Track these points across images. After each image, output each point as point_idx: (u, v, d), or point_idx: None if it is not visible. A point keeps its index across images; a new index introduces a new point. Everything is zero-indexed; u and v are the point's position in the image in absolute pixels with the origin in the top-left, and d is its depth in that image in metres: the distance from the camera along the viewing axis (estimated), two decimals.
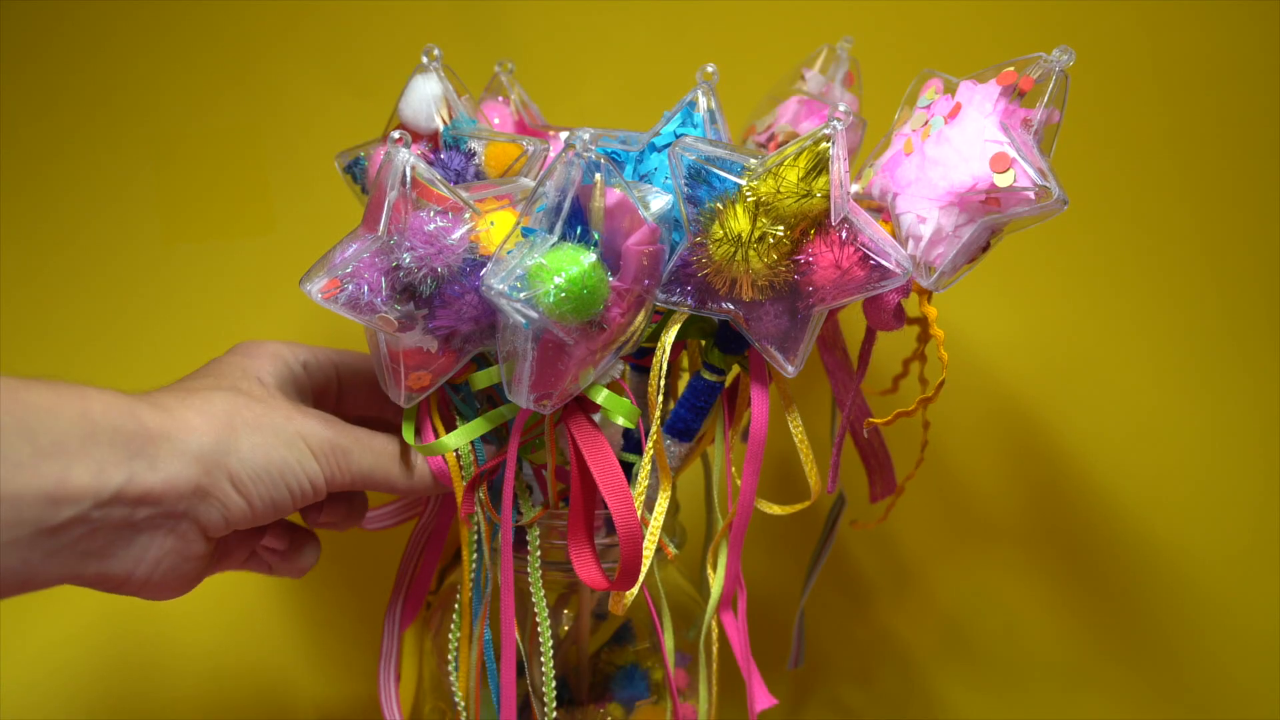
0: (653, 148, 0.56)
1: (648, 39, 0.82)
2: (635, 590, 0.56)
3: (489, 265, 0.49)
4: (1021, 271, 0.81)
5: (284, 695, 0.83)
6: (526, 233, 0.49)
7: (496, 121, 0.65)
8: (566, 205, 0.48)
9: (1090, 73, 0.78)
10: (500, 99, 0.67)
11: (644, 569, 0.55)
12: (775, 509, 0.61)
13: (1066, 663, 0.84)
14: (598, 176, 0.49)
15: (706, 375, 0.59)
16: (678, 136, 0.55)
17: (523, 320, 0.48)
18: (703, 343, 0.59)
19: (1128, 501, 0.83)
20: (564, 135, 0.57)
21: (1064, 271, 0.82)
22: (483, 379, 0.56)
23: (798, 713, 0.87)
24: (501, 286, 0.47)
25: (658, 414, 0.56)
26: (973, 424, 0.83)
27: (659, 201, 0.51)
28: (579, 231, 0.49)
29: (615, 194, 0.49)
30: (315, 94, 0.82)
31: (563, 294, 0.48)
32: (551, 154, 0.57)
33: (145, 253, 0.82)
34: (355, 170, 0.61)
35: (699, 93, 0.56)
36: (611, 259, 0.50)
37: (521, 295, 0.47)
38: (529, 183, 0.54)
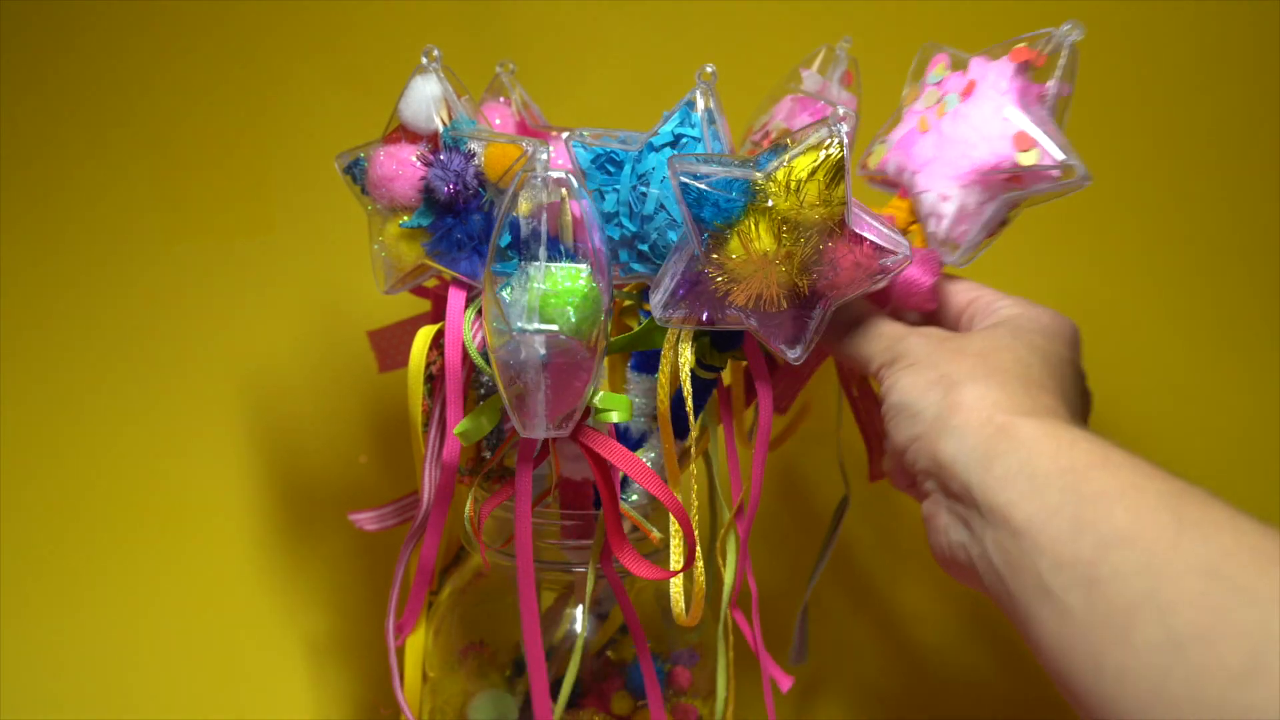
0: (650, 148, 0.56)
1: (649, 38, 0.82)
2: (700, 592, 0.57)
3: (501, 311, 0.49)
4: (1038, 251, 0.81)
5: (284, 696, 0.83)
6: (505, 269, 0.49)
7: (498, 122, 0.65)
8: (544, 228, 0.49)
9: (1097, 58, 0.78)
10: (501, 99, 0.67)
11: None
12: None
13: None
14: (564, 193, 0.49)
15: (701, 373, 0.59)
16: (675, 136, 0.55)
17: (541, 353, 0.48)
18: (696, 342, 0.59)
19: None
20: (564, 135, 0.57)
21: (1082, 250, 0.82)
22: (473, 434, 0.55)
23: (802, 712, 0.87)
24: (530, 325, 0.48)
25: (669, 430, 0.56)
26: None
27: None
28: (561, 250, 0.49)
29: (577, 206, 0.50)
30: (316, 93, 0.82)
31: (582, 312, 0.49)
32: (552, 154, 0.57)
33: (145, 251, 0.82)
34: (355, 171, 0.61)
35: (697, 93, 0.56)
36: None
37: (548, 327, 0.48)
38: None
